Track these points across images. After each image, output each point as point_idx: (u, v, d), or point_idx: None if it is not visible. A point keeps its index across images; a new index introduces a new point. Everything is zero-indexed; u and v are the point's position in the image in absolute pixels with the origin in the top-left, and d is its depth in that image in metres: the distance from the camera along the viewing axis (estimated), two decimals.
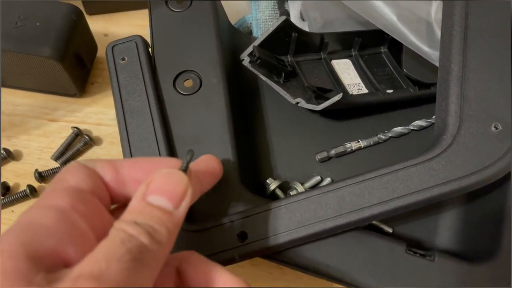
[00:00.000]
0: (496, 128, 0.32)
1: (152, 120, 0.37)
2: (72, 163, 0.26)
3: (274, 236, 0.32)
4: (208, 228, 0.33)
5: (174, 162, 0.27)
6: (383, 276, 0.33)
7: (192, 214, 0.35)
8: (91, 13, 0.52)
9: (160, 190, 0.23)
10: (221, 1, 0.45)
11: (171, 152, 0.36)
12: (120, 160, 0.27)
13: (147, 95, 0.38)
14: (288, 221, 0.33)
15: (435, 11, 0.38)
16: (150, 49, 0.41)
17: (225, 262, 0.32)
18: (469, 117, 0.32)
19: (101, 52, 0.49)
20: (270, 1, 0.49)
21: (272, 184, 0.39)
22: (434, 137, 0.34)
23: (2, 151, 0.43)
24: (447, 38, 0.35)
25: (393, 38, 0.42)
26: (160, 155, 0.36)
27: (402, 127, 0.43)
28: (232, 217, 0.33)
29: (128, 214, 0.23)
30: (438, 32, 0.38)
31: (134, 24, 0.52)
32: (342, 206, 0.32)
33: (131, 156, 0.36)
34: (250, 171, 0.41)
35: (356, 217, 0.32)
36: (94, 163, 0.26)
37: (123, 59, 0.39)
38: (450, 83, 0.33)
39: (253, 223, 0.33)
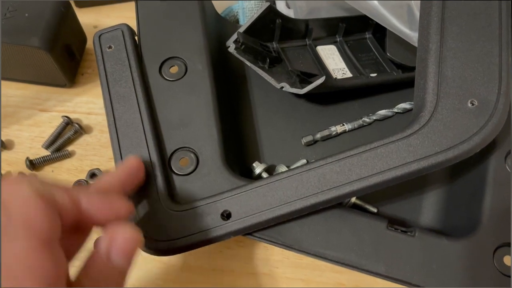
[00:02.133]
0: (473, 104, 0.32)
1: (138, 105, 0.37)
2: (28, 196, 0.23)
3: (257, 213, 0.33)
4: (193, 208, 0.34)
5: (125, 207, 0.29)
6: (364, 252, 0.33)
7: (178, 195, 0.35)
8: (81, 5, 0.53)
9: (121, 252, 0.26)
10: None
11: (157, 136, 0.37)
12: (77, 191, 0.27)
13: (133, 81, 0.38)
14: (270, 199, 0.33)
15: None
16: (136, 37, 0.42)
17: (209, 240, 0.33)
18: (447, 94, 0.33)
19: (90, 43, 0.50)
20: None
21: (258, 168, 0.40)
22: (413, 115, 0.34)
23: None
24: (425, 18, 0.35)
25: (377, 24, 0.43)
26: (146, 139, 0.36)
27: (387, 110, 0.43)
28: (216, 197, 0.34)
29: (93, 272, 0.26)
30: (418, 14, 0.39)
31: (123, 16, 0.53)
32: (323, 183, 0.33)
33: (118, 141, 0.36)
34: (237, 155, 0.42)
35: (336, 193, 0.32)
36: (53, 193, 0.25)
37: (109, 47, 0.40)
38: (428, 62, 0.34)
39: (237, 202, 0.34)
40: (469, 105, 0.32)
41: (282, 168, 0.40)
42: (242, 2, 0.50)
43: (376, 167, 0.32)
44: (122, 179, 0.32)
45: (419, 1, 0.38)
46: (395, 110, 0.43)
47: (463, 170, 0.38)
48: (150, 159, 0.36)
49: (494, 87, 0.32)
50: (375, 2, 0.39)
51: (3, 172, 0.43)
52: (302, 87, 0.40)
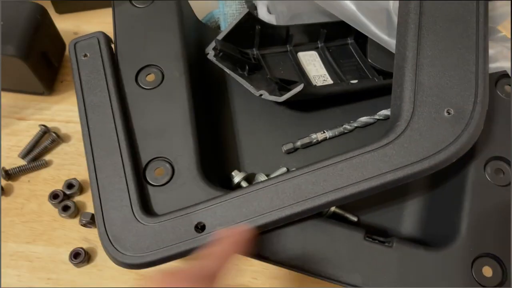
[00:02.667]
0: (449, 113, 0.32)
1: (113, 115, 0.37)
2: None
3: (232, 226, 0.32)
4: (166, 220, 0.33)
5: None
6: (341, 263, 0.33)
7: (153, 207, 0.35)
8: (61, 12, 0.52)
9: None
10: None
11: (132, 146, 0.36)
12: None
13: (108, 90, 0.38)
14: (245, 210, 0.33)
15: (393, 0, 0.39)
16: (113, 45, 0.41)
17: (182, 254, 0.32)
18: (423, 103, 0.32)
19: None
20: None
21: (237, 176, 0.39)
22: (390, 124, 0.34)
23: None
24: (403, 26, 0.35)
25: None
26: (120, 149, 0.36)
27: (368, 117, 0.43)
28: (190, 209, 0.33)
29: None
30: (397, 21, 0.38)
31: (105, 21, 0.52)
32: (298, 194, 0.32)
33: (92, 151, 0.36)
34: (216, 163, 0.41)
35: (311, 204, 0.32)
36: None
37: (85, 55, 0.39)
38: (405, 70, 0.34)
39: (211, 214, 0.33)
40: (445, 114, 0.32)
41: (262, 177, 0.39)
42: (223, 8, 0.49)
43: (351, 178, 0.32)
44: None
45: (398, 7, 0.37)
46: (377, 117, 0.43)
47: (443, 178, 0.37)
48: (124, 169, 0.35)
49: (471, 96, 0.32)
50: (354, 8, 0.39)
51: None
52: (281, 95, 0.39)
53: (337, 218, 0.38)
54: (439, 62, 0.33)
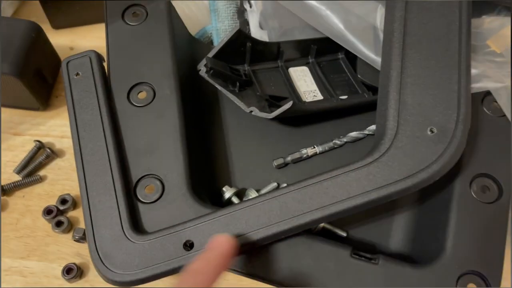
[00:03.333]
0: (432, 132, 0.32)
1: (104, 133, 0.37)
2: None
3: (213, 237, 0.33)
4: (156, 238, 0.34)
5: None
6: (327, 280, 0.33)
7: (143, 224, 0.35)
8: (57, 27, 0.53)
9: None
10: (180, 12, 0.45)
11: (123, 163, 0.37)
12: None
13: (99, 108, 0.38)
14: (233, 228, 0.33)
15: (380, 18, 0.39)
16: (105, 63, 0.42)
17: (171, 271, 0.33)
18: (406, 122, 0.33)
19: None
20: (229, 11, 0.50)
21: (228, 192, 0.40)
22: (374, 142, 0.34)
23: None
24: (387, 44, 0.35)
25: None
26: (111, 167, 0.36)
27: (358, 132, 0.43)
28: (179, 227, 0.34)
29: None
30: None
31: (100, 36, 0.52)
32: (285, 212, 0.33)
33: (83, 169, 0.36)
34: (207, 179, 0.42)
35: (297, 222, 0.32)
36: None
37: (77, 74, 0.40)
38: (389, 88, 0.34)
39: (200, 232, 0.33)
40: (429, 132, 0.32)
41: (252, 192, 0.40)
42: (216, 23, 0.50)
43: (336, 196, 0.32)
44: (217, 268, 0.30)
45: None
46: (366, 132, 0.43)
47: (430, 194, 0.38)
48: (114, 186, 0.36)
49: (453, 114, 0.32)
50: (341, 26, 0.39)
51: None
52: (272, 111, 0.40)
53: (326, 234, 0.39)
54: (422, 81, 0.34)
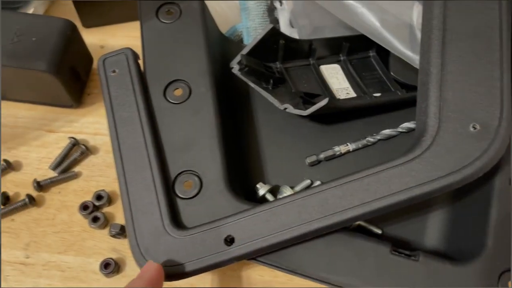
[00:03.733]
0: (474, 128, 0.32)
1: (142, 129, 0.38)
2: None
3: (260, 239, 0.33)
4: (196, 233, 0.34)
5: None
6: (368, 277, 0.33)
7: (182, 219, 0.36)
8: (88, 26, 0.54)
9: None
10: (211, 11, 0.46)
11: (161, 159, 0.37)
12: None
13: (137, 105, 0.39)
14: (273, 224, 0.33)
15: (417, 16, 0.39)
16: (140, 61, 0.42)
17: (213, 266, 0.33)
18: (448, 118, 0.33)
19: (96, 63, 0.50)
20: (259, 9, 0.50)
21: (262, 189, 0.40)
22: (415, 139, 0.34)
23: (2, 162, 0.44)
24: (426, 42, 0.35)
25: None
26: (150, 163, 0.37)
27: (391, 130, 0.43)
28: (219, 223, 0.34)
29: None
30: (420, 37, 0.39)
31: (129, 35, 0.54)
32: (326, 208, 0.33)
33: (123, 165, 0.37)
34: (241, 176, 0.42)
35: (339, 219, 0.32)
36: None
37: (113, 71, 0.40)
38: (430, 85, 0.34)
39: (240, 227, 0.34)
40: (471, 129, 0.32)
41: (286, 189, 0.40)
42: (246, 22, 0.50)
43: (378, 192, 0.32)
44: None
45: (421, 22, 0.38)
46: (399, 129, 0.43)
47: (468, 191, 0.38)
48: (154, 182, 0.36)
49: (496, 111, 0.32)
50: (377, 24, 0.39)
51: (11, 193, 0.44)
52: (306, 108, 0.40)
53: (361, 231, 0.39)
54: (464, 77, 0.34)
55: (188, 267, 0.33)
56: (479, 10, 0.35)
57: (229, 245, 0.33)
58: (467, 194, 0.38)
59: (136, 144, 0.37)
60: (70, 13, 0.51)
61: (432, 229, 0.39)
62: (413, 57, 0.39)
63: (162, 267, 0.32)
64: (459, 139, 0.32)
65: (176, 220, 0.35)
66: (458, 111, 0.33)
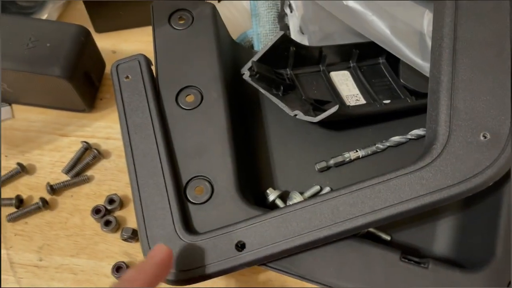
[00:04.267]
0: (485, 137, 0.33)
1: (155, 135, 0.38)
2: None
3: (271, 245, 0.34)
4: (207, 238, 0.34)
5: None
6: (377, 283, 0.33)
7: (193, 224, 0.36)
8: (100, 31, 0.54)
9: None
10: (222, 17, 0.46)
11: (173, 165, 0.38)
12: None
13: (149, 111, 0.39)
14: (284, 230, 0.34)
15: (427, 23, 0.39)
16: (153, 67, 0.43)
17: (223, 271, 0.33)
18: (459, 127, 0.33)
19: (109, 69, 0.51)
20: (270, 16, 0.51)
21: (272, 194, 0.40)
22: (425, 147, 0.35)
23: (16, 166, 0.45)
24: (437, 50, 0.36)
25: None
26: (162, 169, 0.37)
27: (400, 136, 0.43)
28: (230, 228, 0.35)
29: None
30: (430, 44, 0.39)
31: (141, 40, 0.54)
32: (336, 215, 0.33)
33: (135, 170, 0.37)
34: (251, 181, 0.42)
35: (349, 226, 0.33)
36: None
37: (127, 77, 0.41)
38: (440, 94, 0.34)
39: (251, 233, 0.34)
40: (481, 138, 0.33)
41: (296, 195, 0.40)
42: (257, 28, 0.51)
43: (388, 200, 0.33)
44: (150, 279, 0.30)
45: (431, 30, 0.38)
46: (409, 136, 0.43)
47: (478, 199, 0.38)
48: (166, 188, 0.36)
49: (507, 120, 0.32)
50: (388, 32, 0.40)
51: (25, 196, 0.44)
52: (316, 115, 0.40)
53: (370, 237, 0.39)
54: (474, 86, 0.34)
55: (199, 272, 0.34)
56: (490, 19, 0.36)
57: (240, 251, 0.34)
58: (476, 202, 0.38)
59: (149, 149, 0.38)
60: (83, 18, 0.52)
61: (441, 236, 0.39)
62: (423, 64, 0.39)
63: (171, 251, 0.32)
64: (470, 148, 0.33)
65: (188, 225, 0.36)
66: (468, 119, 0.33)
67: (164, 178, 0.37)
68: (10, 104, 0.50)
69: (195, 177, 0.38)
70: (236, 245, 0.34)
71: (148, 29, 0.54)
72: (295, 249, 0.34)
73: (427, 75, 0.39)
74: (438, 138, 0.33)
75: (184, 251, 0.34)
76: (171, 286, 0.34)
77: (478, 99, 0.34)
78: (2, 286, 0.41)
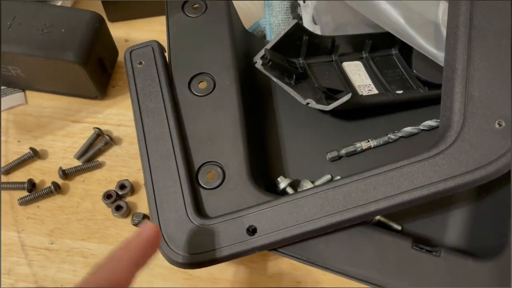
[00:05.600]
0: (500, 125, 0.32)
1: (167, 120, 0.39)
2: None
3: (282, 230, 0.34)
4: (219, 222, 0.34)
5: None
6: (389, 271, 0.33)
7: (204, 209, 0.36)
8: (113, 20, 0.55)
9: None
10: (235, 7, 0.46)
11: (185, 150, 0.38)
12: None
13: (162, 96, 0.39)
14: (296, 215, 0.34)
15: (442, 13, 0.39)
16: (166, 53, 0.43)
17: (235, 255, 0.34)
18: (473, 115, 0.33)
19: (122, 57, 0.51)
20: (283, 5, 0.51)
21: (283, 182, 0.40)
22: (439, 135, 0.34)
23: (29, 151, 0.45)
24: (452, 38, 0.36)
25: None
26: (175, 154, 0.37)
27: (412, 127, 0.43)
28: (242, 212, 0.35)
29: None
30: (445, 34, 0.39)
31: (154, 29, 0.54)
32: (349, 201, 0.33)
33: (148, 155, 0.38)
34: (262, 169, 0.42)
35: (361, 212, 0.33)
36: None
37: (140, 63, 0.41)
38: (455, 82, 0.34)
39: (262, 218, 0.34)
40: (497, 125, 0.32)
41: (307, 183, 0.40)
42: (270, 18, 0.51)
43: (402, 186, 0.33)
44: (137, 257, 0.29)
45: (446, 20, 0.38)
46: (421, 127, 0.43)
47: (490, 189, 0.38)
48: (178, 172, 0.37)
49: None
50: (402, 21, 0.40)
51: (37, 181, 0.45)
52: (328, 104, 0.40)
53: (381, 226, 0.39)
54: (490, 74, 0.34)
55: (210, 256, 0.34)
56: (505, 8, 0.35)
57: (252, 235, 0.34)
58: (489, 192, 0.38)
59: (161, 134, 0.38)
60: (97, 7, 0.52)
61: (453, 226, 0.39)
62: (437, 54, 0.39)
63: (159, 228, 0.31)
64: (484, 136, 0.32)
65: (199, 209, 0.36)
66: (483, 107, 0.33)
67: (176, 162, 0.37)
68: (23, 90, 0.50)
69: (207, 162, 0.38)
70: (248, 230, 0.34)
71: (161, 19, 0.55)
72: (306, 235, 0.34)
73: (441, 64, 0.39)
74: (452, 125, 0.33)
75: (196, 234, 0.34)
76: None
77: (493, 87, 0.33)
78: (13, 268, 0.41)
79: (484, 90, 0.33)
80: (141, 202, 0.44)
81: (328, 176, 0.42)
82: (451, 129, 0.33)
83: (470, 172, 0.32)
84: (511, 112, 0.33)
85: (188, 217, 0.35)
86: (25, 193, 0.44)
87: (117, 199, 0.43)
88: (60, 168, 0.44)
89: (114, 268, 0.28)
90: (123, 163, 0.46)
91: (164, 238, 0.35)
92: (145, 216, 0.41)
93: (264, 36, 0.51)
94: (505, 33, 0.34)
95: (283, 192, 0.40)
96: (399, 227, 0.40)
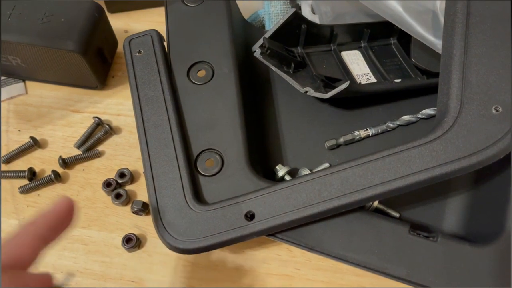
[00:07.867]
0: (497, 110, 0.33)
1: (166, 108, 0.39)
2: None
3: (280, 215, 0.34)
4: (217, 208, 0.35)
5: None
6: (386, 256, 0.34)
7: (203, 196, 0.36)
8: (113, 11, 0.55)
9: None
10: None
11: (184, 137, 0.38)
12: None
13: (161, 85, 0.40)
14: (294, 201, 0.34)
15: (440, 1, 0.39)
16: (165, 43, 0.43)
17: (233, 240, 0.34)
18: (470, 100, 0.33)
19: (121, 47, 0.51)
20: None
21: (281, 170, 0.40)
22: (436, 120, 0.35)
23: (29, 140, 0.45)
24: (450, 25, 0.36)
25: (402, 29, 0.43)
26: (173, 141, 0.38)
27: (410, 116, 0.43)
28: (240, 198, 0.35)
29: None
30: (443, 22, 0.39)
31: (153, 21, 0.55)
32: (346, 186, 0.33)
33: (147, 142, 0.38)
34: (260, 157, 0.42)
35: (359, 197, 0.33)
36: None
37: (139, 51, 0.41)
38: (452, 67, 0.34)
39: (261, 203, 0.34)
40: (493, 111, 0.33)
41: (305, 172, 0.40)
42: (268, 8, 0.51)
43: (399, 172, 0.33)
44: (45, 232, 0.28)
45: (444, 8, 0.38)
46: (419, 115, 0.43)
47: (487, 175, 0.38)
48: (177, 158, 0.37)
49: None
50: (400, 9, 0.40)
51: (37, 169, 0.45)
52: (326, 92, 0.40)
53: (379, 214, 0.39)
54: (487, 60, 0.34)
55: (209, 241, 0.34)
56: None
57: (250, 221, 0.34)
58: (486, 177, 0.38)
59: (160, 121, 0.38)
60: None
61: (450, 212, 0.39)
62: (435, 41, 0.39)
63: (74, 203, 0.30)
64: (481, 121, 0.33)
65: (198, 196, 0.36)
66: (480, 93, 0.33)
67: (175, 149, 0.37)
68: (23, 81, 0.50)
69: (205, 150, 0.38)
70: (246, 215, 0.34)
71: (160, 10, 0.55)
72: (304, 220, 0.34)
73: (439, 52, 0.39)
74: (449, 111, 0.33)
75: (194, 220, 0.35)
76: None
77: (491, 73, 0.33)
78: None
79: (481, 76, 0.34)
80: (140, 190, 0.44)
81: (327, 164, 0.42)
82: (448, 114, 0.33)
83: (467, 157, 0.32)
84: (511, 97, 0.33)
85: (187, 203, 0.35)
86: (25, 181, 0.44)
87: (117, 187, 0.43)
88: (60, 157, 0.44)
89: (17, 243, 0.27)
90: (123, 152, 0.46)
91: (163, 224, 0.35)
92: (144, 204, 0.42)
93: (263, 26, 0.51)
94: (502, 20, 0.35)
95: (282, 180, 0.41)
96: (397, 215, 0.40)
